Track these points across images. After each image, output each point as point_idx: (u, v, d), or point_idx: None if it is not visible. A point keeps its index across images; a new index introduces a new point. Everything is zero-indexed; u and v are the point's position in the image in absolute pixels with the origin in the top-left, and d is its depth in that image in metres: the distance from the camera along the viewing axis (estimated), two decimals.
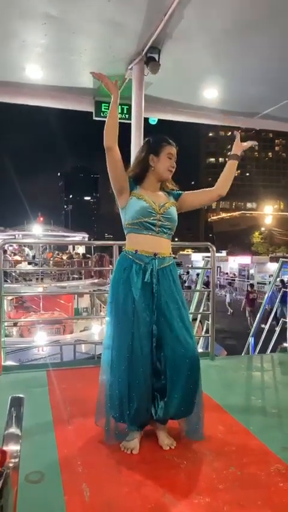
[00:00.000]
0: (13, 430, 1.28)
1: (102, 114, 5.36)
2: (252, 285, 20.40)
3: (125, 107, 5.26)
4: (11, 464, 1.13)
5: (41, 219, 30.18)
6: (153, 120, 5.86)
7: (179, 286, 2.25)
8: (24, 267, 15.00)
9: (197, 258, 41.16)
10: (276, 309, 15.51)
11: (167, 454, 2.13)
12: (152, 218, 2.17)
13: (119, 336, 2.13)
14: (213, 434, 2.27)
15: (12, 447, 1.19)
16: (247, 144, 2.45)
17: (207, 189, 2.43)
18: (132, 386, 2.08)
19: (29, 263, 16.38)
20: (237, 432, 2.43)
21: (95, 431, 2.29)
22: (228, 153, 2.48)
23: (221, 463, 2.06)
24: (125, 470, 1.96)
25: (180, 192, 2.38)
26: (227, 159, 2.48)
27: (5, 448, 1.18)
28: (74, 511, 1.66)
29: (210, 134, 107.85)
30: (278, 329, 4.83)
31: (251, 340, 5.76)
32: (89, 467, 1.98)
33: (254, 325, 5.54)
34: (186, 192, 2.39)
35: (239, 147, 2.43)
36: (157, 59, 4.20)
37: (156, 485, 1.85)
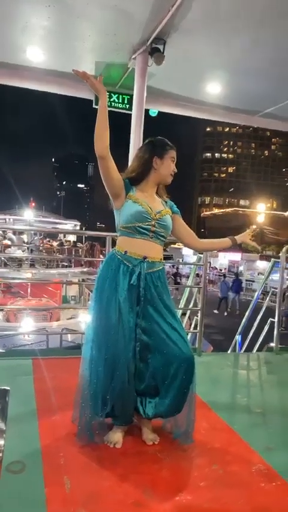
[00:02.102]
0: None
1: None
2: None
3: (126, 97, 5.20)
4: None
5: (33, 204, 29.91)
6: (153, 111, 5.80)
7: (168, 291, 2.23)
8: (14, 252, 14.86)
9: (188, 253, 41.30)
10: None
11: (150, 449, 2.13)
12: (146, 223, 2.13)
13: (99, 337, 2.10)
14: (196, 431, 2.27)
15: None
16: (253, 243, 2.52)
17: (193, 233, 2.41)
18: (108, 388, 2.06)
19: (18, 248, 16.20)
20: (221, 430, 2.45)
21: None
22: (235, 237, 2.48)
23: (204, 461, 2.07)
24: (108, 464, 1.96)
25: (177, 210, 2.34)
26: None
27: None
28: (54, 503, 1.65)
29: (208, 129, 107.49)
30: (266, 328, 4.86)
31: (238, 337, 5.79)
32: (71, 460, 1.97)
33: (243, 323, 5.56)
34: (179, 216, 2.35)
35: (244, 239, 2.48)
36: (162, 50, 4.15)
37: (138, 480, 1.85)
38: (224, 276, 22.80)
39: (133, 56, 4.49)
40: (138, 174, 2.20)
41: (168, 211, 2.25)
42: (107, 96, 5.36)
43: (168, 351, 2.06)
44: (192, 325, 5.81)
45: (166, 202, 2.30)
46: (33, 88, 5.45)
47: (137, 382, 2.14)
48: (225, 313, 18.63)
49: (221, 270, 36.89)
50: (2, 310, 12.42)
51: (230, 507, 1.74)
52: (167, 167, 2.22)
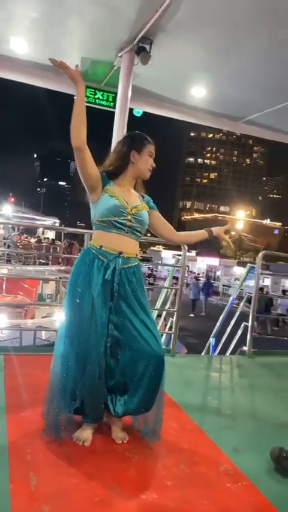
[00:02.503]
0: None
1: (86, 99, 5.26)
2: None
3: (111, 95, 5.18)
4: None
5: (12, 199, 29.49)
6: (137, 112, 5.79)
7: (143, 288, 2.21)
8: None
9: (167, 255, 41.55)
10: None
11: (118, 447, 2.11)
12: (122, 218, 2.11)
13: (71, 331, 2.08)
14: (166, 431, 2.27)
15: None
16: (226, 238, 2.53)
17: (171, 227, 2.42)
18: (78, 383, 2.04)
19: None
20: (191, 430, 2.45)
21: None
22: (211, 228, 2.50)
23: (172, 460, 2.07)
24: (75, 462, 1.93)
25: (154, 205, 2.34)
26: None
27: None
28: (19, 500, 1.61)
29: (192, 134, 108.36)
30: (239, 331, 4.91)
31: (211, 340, 5.84)
32: (39, 456, 1.94)
33: (217, 326, 5.61)
34: (157, 211, 2.35)
35: (219, 233, 2.48)
36: (148, 50, 4.16)
37: (105, 479, 1.83)
38: (196, 278, 23.84)
39: (119, 54, 4.49)
40: (115, 167, 2.19)
41: (145, 206, 2.24)
42: (92, 92, 5.32)
43: (138, 348, 2.05)
44: (167, 327, 5.82)
45: (143, 197, 2.29)
46: (16, 80, 5.36)
47: (107, 379, 2.13)
48: (193, 315, 19.71)
49: (198, 274, 37.26)
50: None
51: (195, 507, 1.74)
52: (144, 161, 2.20)
